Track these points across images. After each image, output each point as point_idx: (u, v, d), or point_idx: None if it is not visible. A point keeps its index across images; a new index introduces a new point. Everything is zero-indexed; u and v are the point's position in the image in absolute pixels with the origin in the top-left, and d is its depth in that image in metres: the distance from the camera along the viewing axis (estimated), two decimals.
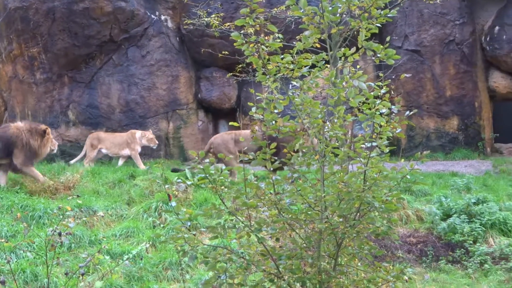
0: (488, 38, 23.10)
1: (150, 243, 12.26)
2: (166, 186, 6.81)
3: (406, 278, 6.93)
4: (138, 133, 20.97)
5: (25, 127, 16.24)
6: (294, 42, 6.88)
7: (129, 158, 20.95)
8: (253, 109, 6.84)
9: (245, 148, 12.19)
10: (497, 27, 22.79)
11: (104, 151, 21.04)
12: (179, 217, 6.53)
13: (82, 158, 20.94)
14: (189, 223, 6.52)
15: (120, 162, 20.80)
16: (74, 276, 8.22)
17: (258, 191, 6.64)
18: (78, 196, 14.23)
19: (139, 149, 20.81)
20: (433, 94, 22.94)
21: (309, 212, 6.72)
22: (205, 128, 24.41)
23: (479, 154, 22.49)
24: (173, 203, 6.58)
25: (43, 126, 16.54)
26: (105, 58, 23.52)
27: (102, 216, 13.75)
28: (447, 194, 15.11)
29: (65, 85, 23.39)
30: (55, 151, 17.34)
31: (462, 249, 12.56)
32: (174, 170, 17.13)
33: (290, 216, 6.73)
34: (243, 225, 6.57)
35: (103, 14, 22.79)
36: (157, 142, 21.30)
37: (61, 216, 7.62)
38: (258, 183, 6.65)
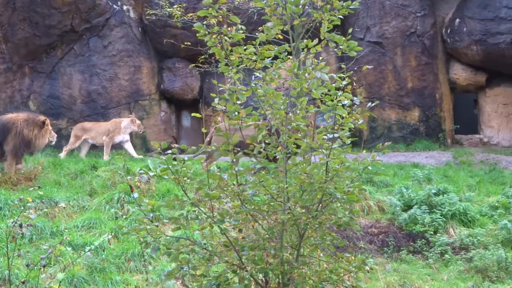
0: (448, 31, 23.29)
1: (112, 234, 12.20)
2: (129, 177, 6.78)
3: (368, 268, 6.98)
4: (124, 122, 20.80)
5: (22, 116, 16.21)
6: (257, 34, 6.90)
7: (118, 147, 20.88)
8: (216, 100, 6.82)
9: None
10: (457, 20, 22.99)
11: (90, 141, 20.81)
12: (142, 208, 6.50)
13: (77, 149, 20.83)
14: (151, 215, 6.50)
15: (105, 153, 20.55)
16: (35, 267, 8.14)
17: (221, 182, 6.64)
18: (39, 187, 14.08)
19: (121, 138, 20.62)
20: (394, 85, 23.10)
21: (271, 203, 6.74)
22: (167, 119, 24.33)
23: (440, 145, 22.71)
24: (136, 195, 6.54)
25: (41, 117, 16.46)
26: (67, 48, 23.32)
27: (64, 207, 13.64)
28: (408, 185, 15.25)
29: (26, 76, 23.16)
30: (53, 143, 17.34)
31: (423, 240, 12.69)
32: None
33: (253, 207, 6.73)
34: (206, 216, 6.57)
35: (64, 4, 22.57)
36: (143, 128, 21.28)
37: (22, 208, 7.55)
38: (221, 174, 6.65)
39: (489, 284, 10.60)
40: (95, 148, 21.44)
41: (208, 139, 17.22)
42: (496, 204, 14.34)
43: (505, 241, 12.46)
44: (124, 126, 20.60)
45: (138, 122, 21.01)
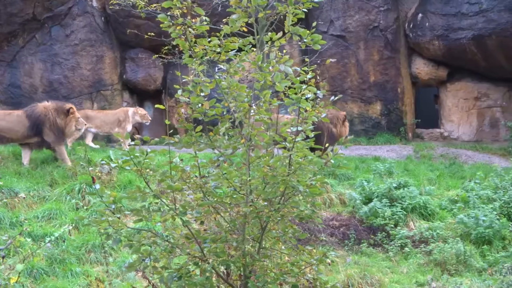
0: (411, 25, 23.46)
1: (73, 225, 12.12)
2: (90, 168, 6.73)
3: (329, 261, 7.02)
4: (130, 110, 20.41)
5: (51, 106, 16.77)
6: (221, 25, 6.87)
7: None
8: (179, 92, 6.79)
9: None
10: (420, 15, 23.15)
11: (93, 130, 19.98)
12: (103, 199, 6.45)
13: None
14: (113, 206, 6.46)
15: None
16: None
17: (184, 174, 6.62)
18: None
19: (129, 128, 20.22)
20: (357, 79, 23.22)
21: (234, 196, 6.74)
22: None
23: (401, 139, 22.89)
24: (97, 186, 6.49)
25: (67, 105, 16.98)
26: (28, 37, 23.04)
27: (24, 198, 13.52)
28: (370, 178, 15.35)
29: None
30: (82, 131, 17.78)
31: (383, 233, 12.80)
32: None
33: (215, 199, 6.73)
34: (168, 208, 6.54)
35: None
36: (149, 119, 20.75)
37: None
38: (183, 166, 6.63)
39: (447, 277, 10.72)
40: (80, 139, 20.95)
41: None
42: (456, 198, 14.51)
43: (464, 235, 12.61)
44: (131, 115, 20.25)
45: (142, 112, 20.47)
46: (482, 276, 11.00)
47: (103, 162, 14.43)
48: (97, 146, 19.47)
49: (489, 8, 21.45)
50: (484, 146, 22.09)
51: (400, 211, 13.38)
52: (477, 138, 23.62)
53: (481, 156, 19.97)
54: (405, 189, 14.13)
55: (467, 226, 12.65)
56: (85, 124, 17.41)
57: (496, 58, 21.97)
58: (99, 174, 14.08)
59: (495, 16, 21.26)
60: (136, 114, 20.17)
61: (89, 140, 19.97)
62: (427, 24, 22.86)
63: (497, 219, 12.72)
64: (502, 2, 21.09)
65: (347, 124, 18.20)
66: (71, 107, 16.83)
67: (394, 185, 14.19)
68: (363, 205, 13.71)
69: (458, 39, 22.25)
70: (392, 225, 13.03)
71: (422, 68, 23.88)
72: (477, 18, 21.75)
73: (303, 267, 6.96)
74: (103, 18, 23.78)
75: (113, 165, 6.53)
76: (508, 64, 22.03)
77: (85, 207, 13.19)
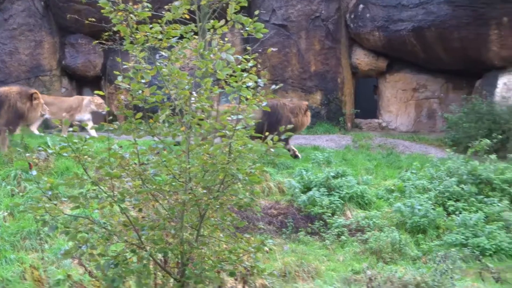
0: (352, 16, 23.62)
1: (8, 212, 11.92)
2: (27, 154, 6.63)
3: (267, 249, 7.07)
4: (86, 99, 19.87)
5: (15, 89, 16.35)
6: (163, 12, 6.82)
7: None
8: (120, 78, 6.74)
9: None
10: (361, 5, 23.31)
11: (48, 116, 19.12)
12: (40, 186, 6.38)
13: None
14: (50, 193, 6.39)
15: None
16: None
17: (122, 161, 6.58)
18: None
19: (85, 116, 19.62)
20: (298, 68, 23.31)
21: (173, 183, 6.73)
22: (68, 95, 23.85)
23: (340, 129, 23.06)
24: (34, 172, 6.41)
25: (32, 90, 16.57)
26: None
27: None
28: (309, 167, 15.43)
29: None
30: (46, 116, 17.25)
31: (321, 221, 12.88)
32: None
33: (154, 187, 6.71)
34: (106, 195, 6.51)
35: None
36: (106, 108, 19.73)
37: None
38: (122, 153, 6.59)
39: (383, 265, 10.84)
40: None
41: None
42: (392, 188, 14.69)
43: (399, 224, 12.78)
44: (86, 103, 19.70)
45: (98, 101, 19.76)
46: (416, 264, 11.15)
47: (40, 148, 14.22)
48: (41, 134, 19.13)
49: (429, 0, 21.72)
50: (421, 137, 22.40)
51: (337, 200, 13.49)
52: (415, 129, 23.94)
53: (418, 147, 20.25)
54: (343, 178, 14.25)
55: (403, 215, 12.82)
56: (47, 110, 17.10)
57: (435, 50, 22.28)
58: (36, 161, 13.86)
59: (434, 8, 21.53)
60: (92, 103, 19.72)
61: (35, 127, 19.59)
62: (368, 15, 23.05)
63: (432, 208, 12.92)
64: None
65: (308, 114, 18.22)
66: (35, 92, 16.42)
67: (332, 174, 14.30)
68: (302, 194, 13.78)
69: (398, 31, 22.47)
70: (330, 214, 13.13)
71: (362, 58, 24.08)
72: (417, 10, 21.99)
73: (241, 255, 6.99)
74: (42, 2, 23.40)
75: (50, 151, 6.45)
76: (447, 56, 22.37)
77: (20, 194, 12.98)
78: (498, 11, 20.66)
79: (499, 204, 13.46)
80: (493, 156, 15.47)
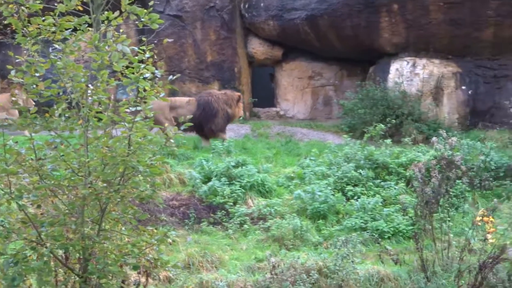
0: (247, 6, 23.73)
1: None
2: None
3: (170, 240, 7.04)
4: None
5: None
6: (56, 4, 6.68)
7: None
8: (13, 72, 6.57)
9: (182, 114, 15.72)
10: None
11: None
12: None
13: None
14: None
15: None
16: None
17: (19, 157, 6.43)
18: None
19: None
20: (194, 59, 23.29)
21: (72, 178, 6.62)
22: None
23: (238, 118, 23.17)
24: None
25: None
26: None
27: None
28: (209, 157, 15.45)
29: None
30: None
31: (223, 211, 12.92)
32: None
33: (52, 182, 6.58)
34: (3, 192, 6.35)
35: None
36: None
37: None
38: (18, 149, 6.44)
39: (285, 252, 10.96)
40: None
41: None
42: (292, 175, 14.88)
43: (300, 210, 12.94)
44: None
45: None
46: (318, 250, 11.32)
47: None
48: None
49: None
50: (318, 124, 22.78)
51: (239, 189, 13.56)
52: (312, 116, 24.31)
53: (315, 134, 20.57)
54: (243, 167, 14.33)
55: (303, 202, 12.99)
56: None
57: (329, 38, 22.65)
58: None
59: None
60: None
61: None
62: (262, 4, 23.21)
63: (332, 194, 13.14)
64: None
65: (241, 104, 18.75)
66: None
67: (233, 163, 14.36)
68: (203, 184, 13.79)
69: (292, 19, 22.73)
70: (231, 203, 13.18)
71: (258, 48, 24.26)
72: None
73: (144, 248, 6.95)
74: None
75: None
76: (340, 44, 22.78)
77: None
78: None
79: (395, 187, 13.85)
80: (388, 141, 15.89)
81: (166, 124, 6.91)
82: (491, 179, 14.33)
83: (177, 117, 17.19)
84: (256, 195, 13.73)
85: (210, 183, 13.66)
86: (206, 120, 17.72)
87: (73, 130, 6.76)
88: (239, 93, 19.07)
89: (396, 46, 21.94)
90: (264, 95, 24.83)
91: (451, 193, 10.93)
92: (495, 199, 11.68)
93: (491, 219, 10.07)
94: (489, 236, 9.82)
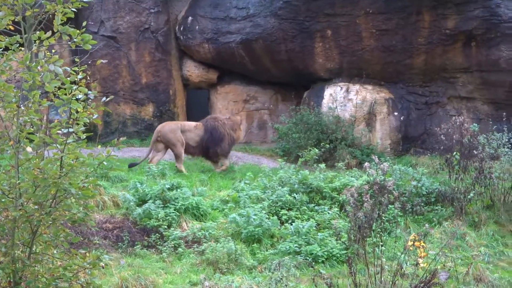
0: (182, 28, 23.74)
1: None
2: None
3: (103, 264, 6.98)
4: None
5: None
6: None
7: None
8: None
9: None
10: (190, 18, 23.47)
11: None
12: None
13: None
14: None
15: None
16: None
17: None
18: None
19: None
20: (129, 80, 23.14)
21: (3, 200, 6.51)
22: None
23: None
24: None
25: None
26: None
27: None
28: (143, 180, 15.34)
29: None
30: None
31: (157, 234, 12.83)
32: (131, 165, 17.69)
33: None
34: None
35: None
36: None
37: None
38: None
39: (220, 275, 10.93)
40: None
41: (155, 136, 18.40)
42: (227, 198, 14.86)
43: (235, 234, 12.92)
44: None
45: None
46: (253, 274, 11.32)
47: None
48: None
49: (256, 13, 22.16)
50: (253, 148, 22.85)
51: (173, 212, 13.47)
52: (247, 140, 24.34)
53: (250, 157, 20.61)
54: (178, 190, 14.25)
55: (238, 225, 12.98)
56: None
57: (263, 62, 22.79)
58: None
59: (261, 21, 22.01)
60: None
61: None
62: (197, 27, 23.24)
63: (267, 218, 13.17)
64: (268, 8, 21.85)
65: (241, 128, 19.54)
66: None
67: (167, 186, 14.27)
68: (137, 207, 13.67)
69: (227, 43, 22.80)
70: (166, 226, 13.09)
71: (193, 70, 24.25)
72: (245, 23, 22.39)
73: (76, 271, 6.86)
74: None
75: None
76: (275, 68, 22.94)
77: None
78: (322, 24, 21.41)
79: (329, 211, 13.95)
80: (322, 165, 16.03)
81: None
82: (422, 204, 14.57)
83: (186, 140, 18.08)
84: (190, 218, 13.67)
85: (144, 206, 13.55)
86: (214, 144, 18.21)
87: (3, 151, 6.66)
88: (240, 118, 19.92)
89: (330, 72, 22.18)
90: (199, 118, 24.80)
91: (383, 217, 11.06)
92: (427, 224, 11.91)
93: (423, 243, 10.24)
94: (420, 260, 9.97)
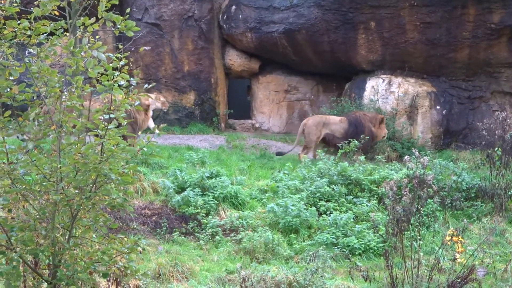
0: (225, 17, 23.75)
1: None
2: None
3: (140, 249, 7.03)
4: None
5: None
6: (32, 8, 6.66)
7: None
8: None
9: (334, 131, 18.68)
10: (234, 7, 23.48)
11: None
12: None
13: None
14: None
15: None
16: None
17: None
18: None
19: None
20: (171, 68, 23.23)
21: (44, 183, 6.58)
22: None
23: (214, 129, 23.13)
24: None
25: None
26: None
27: None
28: (183, 167, 15.40)
29: None
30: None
31: (195, 222, 12.89)
32: (278, 154, 19.21)
33: (23, 186, 6.54)
34: None
35: None
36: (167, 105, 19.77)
37: None
38: None
39: (256, 264, 10.96)
40: None
41: (301, 128, 19.22)
42: (265, 188, 14.87)
43: (272, 224, 12.94)
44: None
45: (162, 99, 19.24)
46: (289, 264, 11.32)
47: None
48: None
49: (300, 3, 22.11)
50: (293, 138, 22.74)
51: (211, 200, 13.53)
52: (287, 130, 24.33)
53: (290, 148, 20.57)
54: (217, 178, 14.30)
55: (276, 215, 12.98)
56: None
57: (305, 52, 22.73)
58: None
59: (305, 12, 21.96)
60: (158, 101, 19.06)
61: None
62: (240, 16, 23.24)
63: (305, 208, 13.16)
64: None
65: (383, 126, 19.47)
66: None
67: (207, 174, 14.32)
68: (176, 194, 13.74)
69: (270, 32, 22.77)
70: (204, 214, 13.15)
71: (235, 59, 24.26)
72: (288, 13, 22.36)
73: (114, 256, 6.92)
74: None
75: None
76: (316, 59, 22.87)
77: None
78: (365, 16, 21.31)
79: (367, 204, 13.90)
80: (362, 158, 15.96)
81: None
82: (462, 199, 14.44)
83: (331, 133, 18.71)
84: (229, 207, 13.71)
85: (183, 193, 13.62)
86: (354, 136, 18.24)
87: (46, 135, 6.73)
88: (382, 116, 19.82)
89: (372, 64, 22.06)
90: (240, 107, 24.83)
91: (422, 212, 11.00)
92: (465, 220, 11.82)
93: (461, 239, 10.15)
94: (458, 256, 9.89)
